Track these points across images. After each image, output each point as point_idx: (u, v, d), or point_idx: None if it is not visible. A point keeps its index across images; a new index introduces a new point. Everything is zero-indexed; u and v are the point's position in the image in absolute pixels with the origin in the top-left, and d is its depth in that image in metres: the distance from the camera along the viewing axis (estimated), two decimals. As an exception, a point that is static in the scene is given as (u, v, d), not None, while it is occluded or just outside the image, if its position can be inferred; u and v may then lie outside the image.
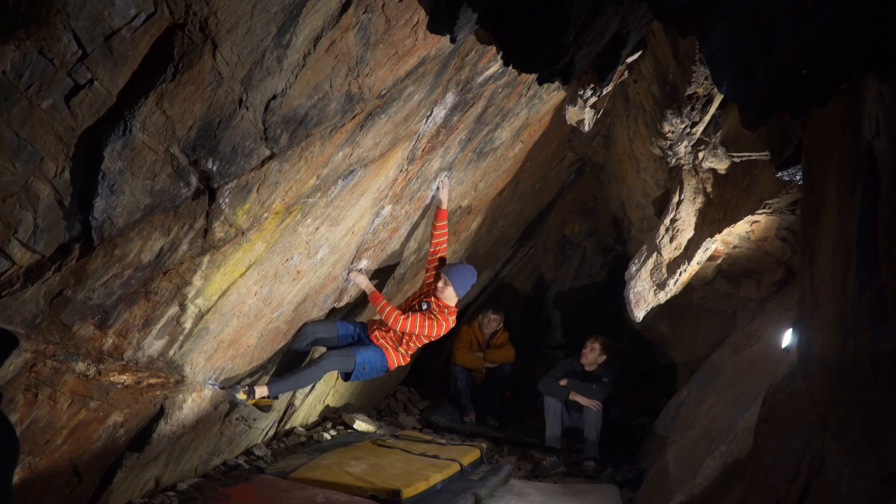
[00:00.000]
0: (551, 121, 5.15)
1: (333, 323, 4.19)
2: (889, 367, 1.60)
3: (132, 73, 1.86)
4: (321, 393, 5.43)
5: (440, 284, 4.14)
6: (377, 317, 4.15)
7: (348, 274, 4.13)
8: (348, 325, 4.24)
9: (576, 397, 5.99)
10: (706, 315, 6.09)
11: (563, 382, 6.09)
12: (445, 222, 4.33)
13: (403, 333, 4.06)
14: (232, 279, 2.93)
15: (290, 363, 3.98)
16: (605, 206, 7.95)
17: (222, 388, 3.51)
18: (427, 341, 4.19)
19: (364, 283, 4.16)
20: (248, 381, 3.81)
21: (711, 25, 1.58)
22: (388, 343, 4.13)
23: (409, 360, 4.30)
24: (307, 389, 5.05)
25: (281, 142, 2.50)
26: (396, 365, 4.21)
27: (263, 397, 3.72)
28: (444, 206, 4.31)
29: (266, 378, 3.94)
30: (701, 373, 5.59)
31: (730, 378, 4.70)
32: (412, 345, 4.16)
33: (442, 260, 4.36)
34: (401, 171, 3.74)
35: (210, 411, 3.73)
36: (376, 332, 4.16)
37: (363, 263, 4.33)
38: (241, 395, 3.55)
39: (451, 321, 4.13)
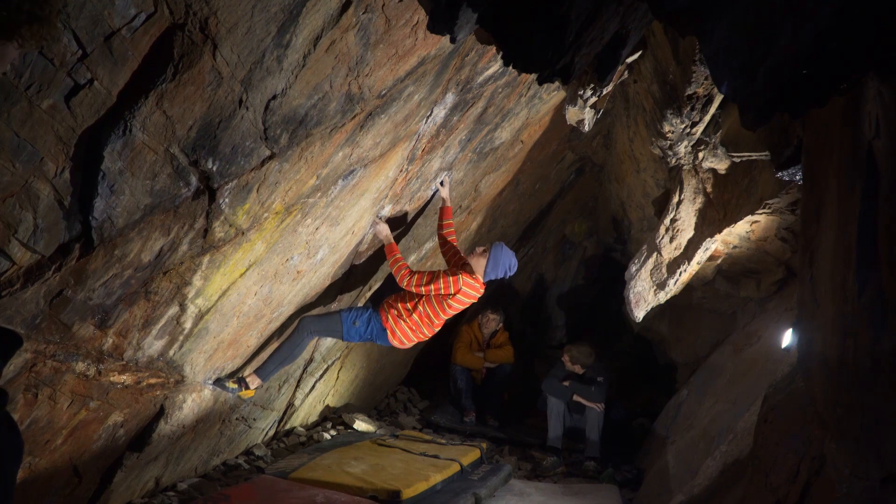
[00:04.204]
0: (551, 121, 5.16)
1: (336, 316, 3.98)
2: (889, 367, 1.60)
3: (132, 73, 1.86)
4: (321, 393, 5.43)
5: (479, 249, 4.00)
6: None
7: (373, 227, 3.96)
8: (355, 312, 4.00)
9: (579, 399, 6.02)
10: (706, 315, 6.10)
11: (565, 383, 6.11)
12: (451, 220, 4.31)
13: (412, 295, 3.91)
14: (232, 279, 2.93)
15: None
16: (605, 206, 7.96)
17: (214, 384, 3.50)
18: (442, 313, 3.92)
19: (384, 232, 3.97)
20: (239, 375, 3.79)
21: (711, 25, 1.58)
22: (396, 313, 3.94)
23: (416, 336, 4.02)
24: (307, 389, 5.06)
25: (281, 142, 2.50)
26: (399, 336, 3.98)
27: (257, 387, 3.71)
28: (449, 203, 4.30)
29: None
30: (701, 373, 5.59)
31: (730, 378, 4.70)
32: (425, 317, 3.92)
33: (457, 253, 4.21)
34: (401, 171, 3.74)
35: (210, 411, 3.73)
36: (385, 304, 4.01)
37: (363, 263, 4.33)
38: (232, 385, 3.56)
39: (463, 282, 3.84)
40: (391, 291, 4.17)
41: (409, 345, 4.10)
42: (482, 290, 4.02)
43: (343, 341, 4.09)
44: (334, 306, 4.40)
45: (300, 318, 3.94)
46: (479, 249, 4.01)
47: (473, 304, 4.14)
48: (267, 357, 3.84)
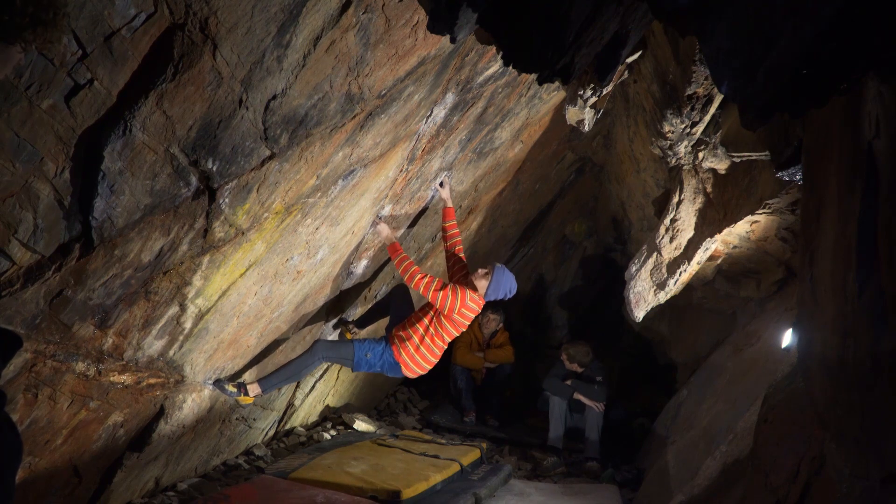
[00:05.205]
0: (551, 121, 5.16)
1: (350, 346, 4.02)
2: (889, 367, 1.60)
3: (132, 73, 1.86)
4: (321, 393, 5.43)
5: (481, 271, 4.04)
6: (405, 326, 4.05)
7: (373, 226, 3.96)
8: (368, 344, 4.04)
9: (579, 397, 6.02)
10: (706, 315, 6.10)
11: (567, 382, 6.12)
12: (454, 221, 4.32)
13: (419, 319, 3.97)
14: (232, 279, 2.93)
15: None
16: (605, 206, 7.96)
17: (214, 385, 3.50)
18: (447, 335, 3.96)
19: (385, 232, 3.96)
20: (240, 379, 3.79)
21: (712, 25, 1.58)
22: (407, 346, 3.97)
23: (426, 365, 4.06)
24: (307, 389, 5.06)
25: (281, 142, 2.50)
26: (413, 368, 4.02)
27: (256, 396, 3.72)
28: (450, 204, 4.31)
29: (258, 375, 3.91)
30: (701, 373, 5.59)
31: (730, 378, 4.70)
32: (437, 338, 3.96)
33: (460, 260, 4.25)
34: (401, 171, 3.74)
35: (210, 411, 3.73)
36: (395, 338, 4.03)
37: (363, 263, 4.33)
38: (231, 388, 3.56)
39: (470, 298, 3.90)
40: (397, 318, 4.18)
41: (422, 373, 4.14)
42: (479, 305, 4.09)
43: (352, 371, 4.13)
44: (333, 316, 4.43)
45: (315, 340, 3.97)
46: (482, 271, 4.06)
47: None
48: (273, 370, 3.86)
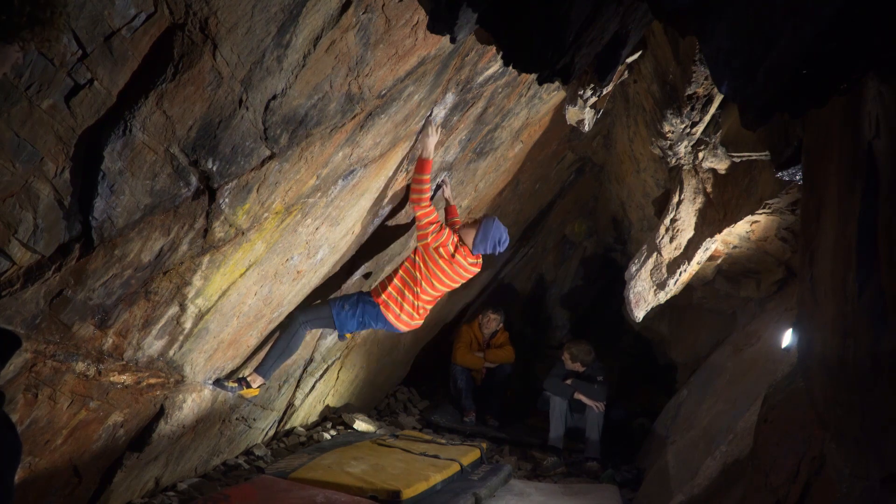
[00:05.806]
0: (551, 121, 5.15)
1: (326, 305, 3.91)
2: (889, 367, 1.60)
3: (132, 73, 1.86)
4: (321, 393, 5.43)
5: (470, 220, 3.92)
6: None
7: (427, 125, 3.65)
8: (342, 299, 3.94)
9: (580, 397, 6.03)
10: (706, 315, 6.10)
11: (567, 382, 6.13)
12: (458, 218, 4.31)
13: (397, 273, 3.89)
14: (232, 279, 2.93)
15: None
16: (605, 206, 7.96)
17: (214, 384, 3.50)
18: (436, 279, 3.84)
19: (432, 143, 3.55)
20: (239, 374, 3.78)
21: (712, 26, 1.58)
22: (390, 296, 3.87)
23: (412, 307, 3.91)
24: (307, 389, 5.06)
25: (281, 142, 2.50)
26: (394, 310, 3.88)
27: (260, 385, 3.70)
28: (453, 202, 4.30)
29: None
30: (701, 373, 5.59)
31: (730, 378, 4.70)
32: (417, 287, 3.84)
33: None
34: (401, 171, 3.74)
35: (210, 411, 3.73)
36: (378, 288, 3.95)
37: (364, 263, 4.33)
38: (232, 385, 3.54)
39: (452, 243, 3.80)
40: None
41: (408, 321, 3.97)
42: (472, 264, 3.94)
43: (338, 333, 4.00)
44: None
45: (292, 311, 3.88)
46: (471, 220, 3.98)
47: (471, 279, 4.05)
48: (265, 355, 3.83)
